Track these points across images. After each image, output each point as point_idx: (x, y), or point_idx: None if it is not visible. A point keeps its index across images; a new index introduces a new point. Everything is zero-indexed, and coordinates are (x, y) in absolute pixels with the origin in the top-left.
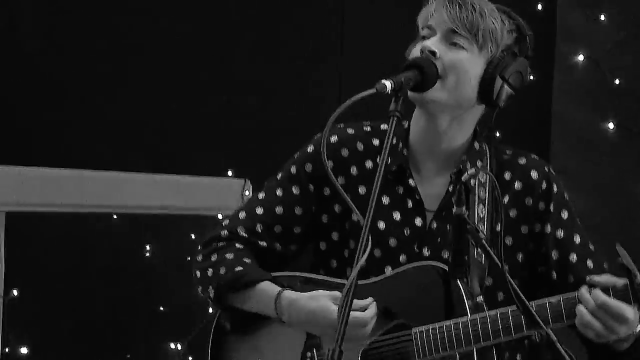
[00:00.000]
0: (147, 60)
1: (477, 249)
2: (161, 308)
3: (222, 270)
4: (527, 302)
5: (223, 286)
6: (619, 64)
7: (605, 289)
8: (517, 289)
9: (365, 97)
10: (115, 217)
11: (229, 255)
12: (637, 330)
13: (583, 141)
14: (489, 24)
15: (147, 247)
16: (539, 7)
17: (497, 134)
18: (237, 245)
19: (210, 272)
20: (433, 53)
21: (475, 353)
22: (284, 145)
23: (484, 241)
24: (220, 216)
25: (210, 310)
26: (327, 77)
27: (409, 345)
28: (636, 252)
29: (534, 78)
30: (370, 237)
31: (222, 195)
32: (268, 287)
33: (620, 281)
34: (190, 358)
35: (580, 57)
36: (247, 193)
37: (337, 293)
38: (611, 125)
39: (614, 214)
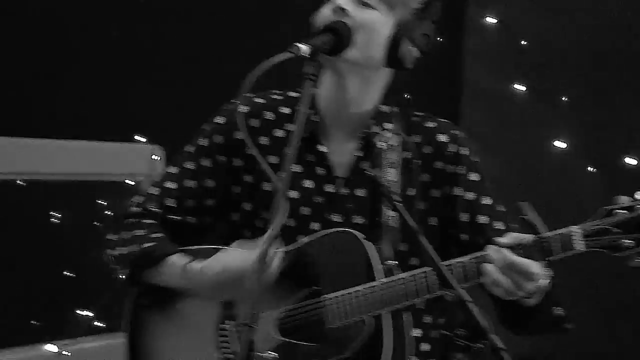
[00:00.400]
0: (55, 26)
1: (389, 214)
2: (70, 274)
3: (134, 247)
4: (439, 261)
5: (134, 263)
6: (528, 26)
7: (512, 247)
8: (430, 250)
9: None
10: (21, 182)
11: (139, 232)
12: (543, 284)
13: (493, 103)
14: None
15: (55, 213)
16: None
17: (408, 97)
18: (148, 220)
19: (123, 249)
20: (343, 10)
21: (385, 316)
22: (194, 110)
23: (398, 204)
24: (128, 182)
25: (121, 275)
26: (235, 40)
27: (322, 311)
28: (544, 211)
29: (444, 41)
30: (285, 207)
31: (131, 160)
32: (177, 260)
33: (526, 238)
34: (99, 324)
35: (490, 20)
36: (156, 158)
37: (240, 250)
38: (520, 87)
39: (523, 174)
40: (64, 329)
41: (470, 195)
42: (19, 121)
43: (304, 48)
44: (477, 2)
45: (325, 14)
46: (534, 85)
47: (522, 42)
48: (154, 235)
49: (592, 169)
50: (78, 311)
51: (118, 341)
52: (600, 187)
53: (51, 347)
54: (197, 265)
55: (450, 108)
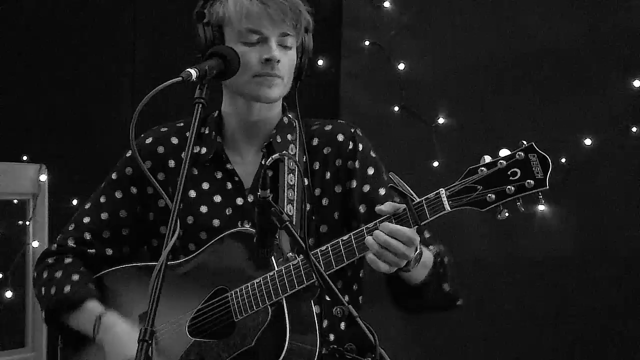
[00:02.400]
0: None
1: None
2: None
3: (53, 290)
4: (329, 280)
5: (50, 309)
6: (403, 49)
7: (388, 218)
8: (320, 268)
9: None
10: None
11: (58, 274)
12: (419, 253)
13: (370, 124)
14: (305, 15)
15: None
16: None
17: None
18: (67, 260)
19: (43, 291)
20: (278, 61)
21: (284, 302)
22: (80, 131)
23: (288, 224)
24: (15, 201)
25: (8, 294)
26: (120, 63)
27: (227, 306)
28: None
29: (323, 64)
30: (178, 221)
31: (18, 180)
32: (91, 308)
33: (400, 207)
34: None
35: (366, 43)
36: (42, 178)
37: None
38: (396, 108)
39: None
40: None
41: (366, 188)
42: None
43: (193, 73)
44: (352, 25)
45: (252, 60)
46: (408, 108)
47: (396, 64)
48: (73, 278)
49: None
50: None
51: (8, 359)
52: None
53: None
54: (108, 319)
55: None
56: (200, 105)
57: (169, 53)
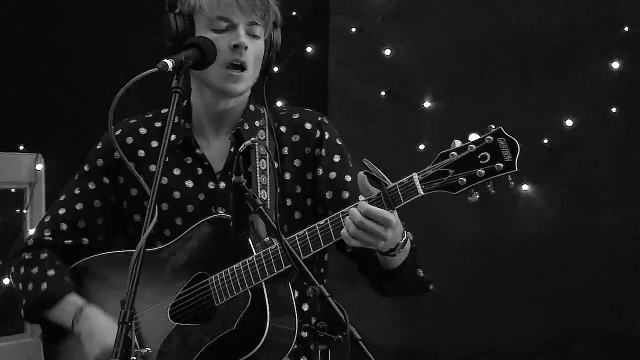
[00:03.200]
0: None
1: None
2: None
3: (30, 287)
4: (301, 261)
5: (30, 306)
6: (389, 35)
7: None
8: (291, 248)
9: (149, 76)
10: None
11: (34, 270)
12: (403, 240)
13: (358, 109)
14: (273, 8)
15: None
16: None
17: (280, 102)
18: (43, 254)
19: (20, 286)
20: (246, 49)
21: (264, 286)
22: (75, 121)
23: (261, 208)
24: (13, 190)
25: (5, 281)
26: (114, 57)
27: (208, 292)
28: (412, 211)
29: (312, 50)
30: (156, 209)
31: (15, 169)
32: (71, 301)
33: (374, 191)
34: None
35: (353, 30)
36: (38, 167)
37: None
38: (383, 93)
39: (389, 175)
40: None
41: (332, 174)
42: None
43: (169, 63)
44: (339, 12)
45: (223, 46)
46: (395, 93)
47: (382, 50)
48: (48, 273)
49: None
50: None
51: (7, 344)
52: None
53: None
54: (88, 312)
55: (319, 110)
56: (177, 95)
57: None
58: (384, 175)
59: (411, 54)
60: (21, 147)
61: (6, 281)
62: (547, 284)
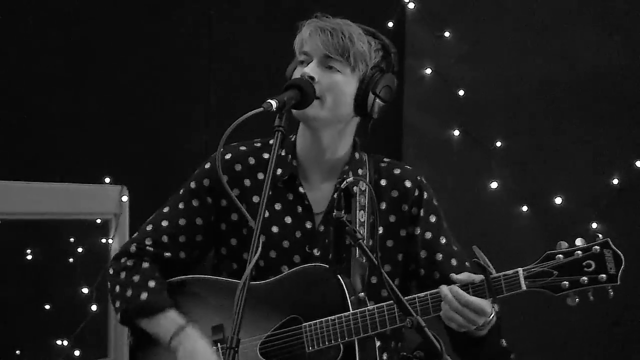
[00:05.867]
0: (23, 70)
1: (357, 250)
2: (46, 307)
3: (129, 293)
4: (399, 292)
5: (130, 312)
6: (462, 76)
7: (465, 286)
8: (391, 282)
9: (253, 115)
10: None
11: (135, 278)
12: (491, 318)
13: (431, 147)
14: (358, 47)
15: (29, 251)
16: (390, 24)
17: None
18: (145, 264)
19: (118, 289)
20: (312, 78)
21: (356, 343)
22: (158, 154)
23: (361, 242)
24: (98, 220)
25: (93, 307)
26: (197, 88)
27: (300, 337)
28: (483, 244)
29: None
30: (260, 241)
31: (101, 200)
32: (172, 317)
33: (477, 278)
34: (76, 352)
35: (428, 71)
36: (124, 199)
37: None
38: (456, 132)
39: (458, 211)
40: (43, 357)
41: (428, 235)
42: None
43: (273, 103)
44: (414, 54)
45: (296, 77)
46: (468, 132)
47: (456, 90)
48: (149, 284)
49: (522, 208)
50: (56, 341)
51: None
52: (530, 224)
53: None
54: (189, 332)
55: (393, 149)
56: (280, 133)
57: (242, 75)
58: (489, 264)
59: (483, 94)
60: (107, 180)
61: (93, 308)
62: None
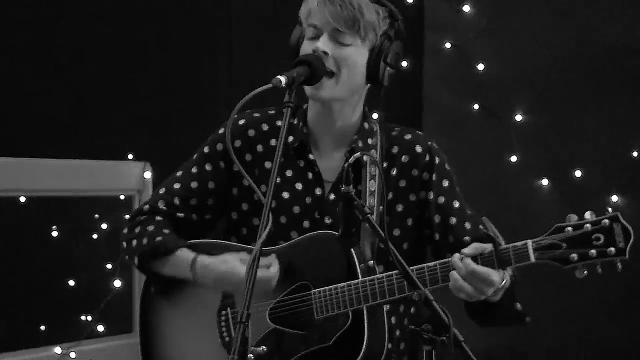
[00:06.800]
0: (51, 51)
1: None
2: (70, 283)
3: (144, 241)
4: (406, 266)
5: (145, 254)
6: (481, 50)
7: (474, 257)
8: (398, 256)
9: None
10: (23, 199)
11: (150, 227)
12: (504, 283)
13: (451, 121)
14: (367, 18)
15: (54, 227)
16: (409, 0)
17: (377, 115)
18: (157, 217)
19: (134, 242)
20: (325, 53)
21: (365, 310)
22: (180, 130)
23: (369, 216)
24: (122, 197)
25: (116, 283)
26: (218, 67)
27: (310, 304)
28: (503, 218)
29: (407, 65)
30: (270, 212)
31: (124, 177)
32: (184, 254)
33: (487, 248)
34: (100, 327)
35: (447, 45)
36: (146, 175)
37: (244, 254)
38: (475, 107)
39: (478, 185)
40: (67, 332)
41: (441, 199)
42: (21, 142)
43: (282, 79)
44: (434, 29)
45: (306, 51)
46: (487, 107)
47: (475, 65)
48: (164, 231)
49: (542, 181)
50: (80, 317)
51: (116, 343)
52: (550, 197)
53: (57, 350)
54: (205, 260)
55: (413, 123)
56: (289, 109)
57: (264, 51)
58: (499, 235)
59: (503, 68)
60: (130, 156)
61: (117, 283)
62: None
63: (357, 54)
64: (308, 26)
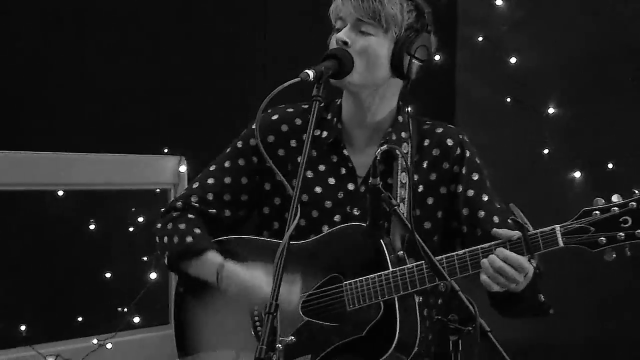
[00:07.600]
0: (88, 46)
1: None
2: (107, 275)
3: (175, 239)
4: (433, 257)
5: (174, 255)
6: (513, 44)
7: (503, 244)
8: (424, 246)
9: (292, 85)
10: (61, 193)
11: (182, 226)
12: (527, 274)
13: (484, 114)
14: (388, 10)
15: (92, 220)
16: None
17: (409, 108)
18: (190, 215)
19: (165, 239)
20: (345, 43)
21: (396, 300)
22: (215, 124)
23: (396, 208)
24: (157, 190)
25: (152, 275)
26: (253, 61)
27: (341, 295)
28: (528, 205)
29: (440, 57)
30: (300, 205)
31: (159, 171)
32: (211, 258)
33: (515, 235)
34: (136, 319)
35: (480, 38)
36: (182, 169)
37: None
38: (508, 99)
39: (511, 178)
40: (104, 324)
41: (470, 192)
42: (60, 137)
43: (310, 73)
44: (467, 22)
45: (332, 44)
46: (519, 99)
47: (508, 58)
48: (195, 231)
49: (575, 174)
50: (117, 308)
51: (152, 335)
52: (583, 190)
53: (94, 341)
54: (230, 268)
55: (446, 116)
56: (317, 103)
57: (299, 45)
58: (527, 221)
59: (535, 61)
60: (165, 150)
61: (153, 276)
62: None
63: (377, 44)
64: (335, 21)
